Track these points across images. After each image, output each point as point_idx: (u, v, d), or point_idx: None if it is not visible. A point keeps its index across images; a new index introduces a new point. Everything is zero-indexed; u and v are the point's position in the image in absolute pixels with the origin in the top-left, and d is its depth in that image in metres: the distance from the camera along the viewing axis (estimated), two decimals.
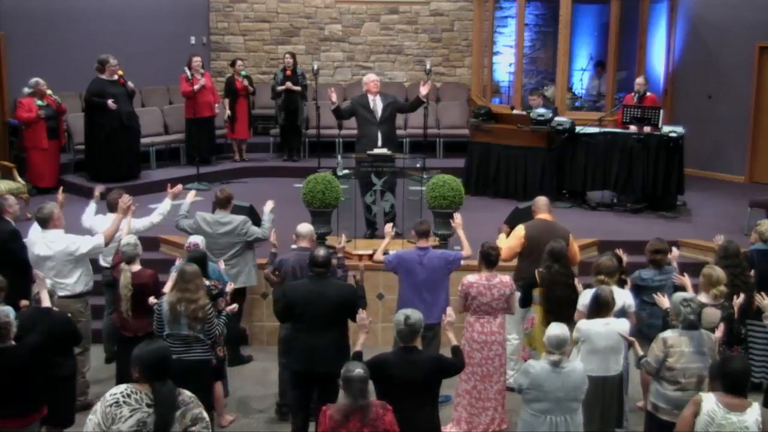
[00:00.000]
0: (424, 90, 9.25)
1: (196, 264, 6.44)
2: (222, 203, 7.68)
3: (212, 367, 6.50)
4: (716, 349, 5.53)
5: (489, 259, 6.51)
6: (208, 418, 4.40)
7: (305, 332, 6.01)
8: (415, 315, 5.25)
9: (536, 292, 6.70)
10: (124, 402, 4.19)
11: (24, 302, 6.02)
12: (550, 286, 6.56)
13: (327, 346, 5.95)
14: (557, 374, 5.22)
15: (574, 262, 7.36)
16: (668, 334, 5.53)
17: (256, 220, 7.90)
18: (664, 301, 6.07)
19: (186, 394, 4.34)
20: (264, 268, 7.06)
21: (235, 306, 6.46)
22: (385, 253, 7.04)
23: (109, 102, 10.55)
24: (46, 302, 5.74)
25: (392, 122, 9.38)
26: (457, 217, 7.36)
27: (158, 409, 4.17)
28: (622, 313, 6.22)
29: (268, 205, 7.84)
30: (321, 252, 6.08)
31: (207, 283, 6.48)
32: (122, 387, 4.28)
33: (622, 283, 6.55)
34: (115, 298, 6.79)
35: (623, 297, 6.31)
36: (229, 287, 6.72)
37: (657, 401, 5.54)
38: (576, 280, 6.67)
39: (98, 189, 7.86)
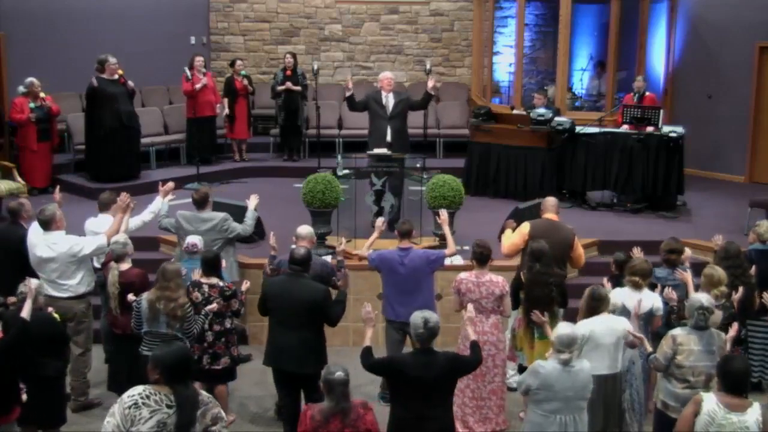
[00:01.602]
0: (430, 83, 9.53)
1: (210, 264, 6.47)
2: (199, 203, 7.60)
3: (226, 368, 6.58)
4: (726, 348, 5.52)
5: (477, 256, 6.52)
6: (226, 418, 4.41)
7: (275, 329, 6.08)
8: (433, 318, 5.19)
9: (523, 294, 6.70)
10: (143, 403, 4.18)
11: (11, 299, 6.00)
12: (530, 287, 6.55)
13: (295, 346, 5.97)
14: (567, 373, 5.21)
15: (578, 265, 7.35)
16: (678, 331, 5.55)
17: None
18: (672, 296, 6.08)
19: (204, 394, 4.35)
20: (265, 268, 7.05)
21: (214, 305, 6.42)
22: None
23: (93, 80, 10.53)
24: (26, 312, 5.57)
25: (403, 119, 9.53)
26: (443, 214, 7.31)
27: (181, 410, 4.16)
28: (650, 315, 6.23)
29: (253, 201, 7.77)
30: (301, 250, 6.10)
31: (221, 284, 6.48)
32: (140, 388, 4.25)
33: (653, 286, 6.54)
34: (104, 297, 6.81)
35: (652, 299, 6.30)
36: (245, 285, 6.76)
37: (666, 399, 5.56)
38: (562, 280, 6.62)
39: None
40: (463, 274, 6.54)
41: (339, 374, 4.68)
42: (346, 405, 4.69)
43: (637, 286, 6.31)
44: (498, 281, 6.51)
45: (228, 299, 6.45)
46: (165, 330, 6.09)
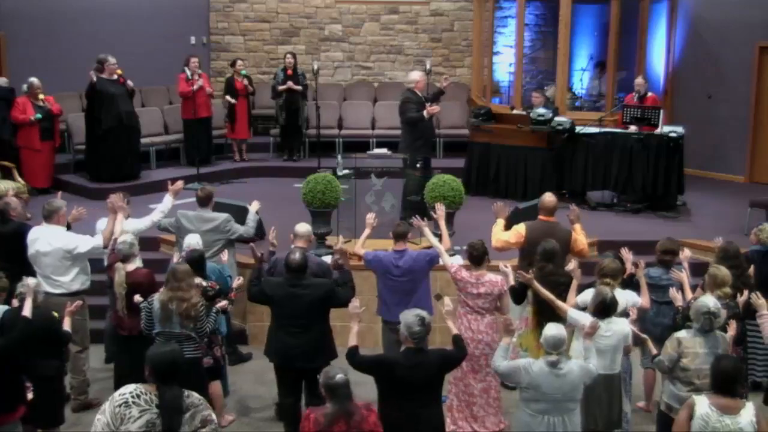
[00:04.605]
0: (445, 82, 9.86)
1: (195, 264, 6.44)
2: (203, 201, 7.62)
3: (210, 367, 6.51)
4: (730, 350, 5.49)
5: (469, 257, 6.50)
6: (216, 420, 4.39)
7: (282, 330, 6.10)
8: (427, 315, 5.21)
9: (531, 292, 6.67)
10: (134, 402, 4.17)
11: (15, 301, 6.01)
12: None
13: (305, 344, 6.01)
14: (555, 375, 5.18)
15: (584, 256, 7.31)
16: (683, 334, 5.52)
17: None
18: (678, 297, 6.05)
19: (195, 396, 4.33)
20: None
21: (225, 303, 6.44)
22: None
23: (92, 75, 10.54)
24: (27, 311, 5.62)
25: None
26: (440, 209, 7.21)
27: (162, 412, 4.17)
28: (626, 313, 6.16)
29: (254, 206, 7.82)
30: (296, 256, 6.09)
31: (204, 283, 6.47)
32: (131, 387, 4.25)
33: (624, 284, 6.49)
34: (111, 297, 6.80)
35: (627, 297, 6.26)
36: (237, 282, 6.76)
37: (671, 401, 5.54)
38: (573, 281, 6.58)
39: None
40: (464, 273, 6.53)
41: (339, 376, 4.65)
42: (350, 407, 4.65)
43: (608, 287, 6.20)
44: (497, 281, 6.50)
45: (211, 299, 6.42)
46: (179, 330, 6.05)
